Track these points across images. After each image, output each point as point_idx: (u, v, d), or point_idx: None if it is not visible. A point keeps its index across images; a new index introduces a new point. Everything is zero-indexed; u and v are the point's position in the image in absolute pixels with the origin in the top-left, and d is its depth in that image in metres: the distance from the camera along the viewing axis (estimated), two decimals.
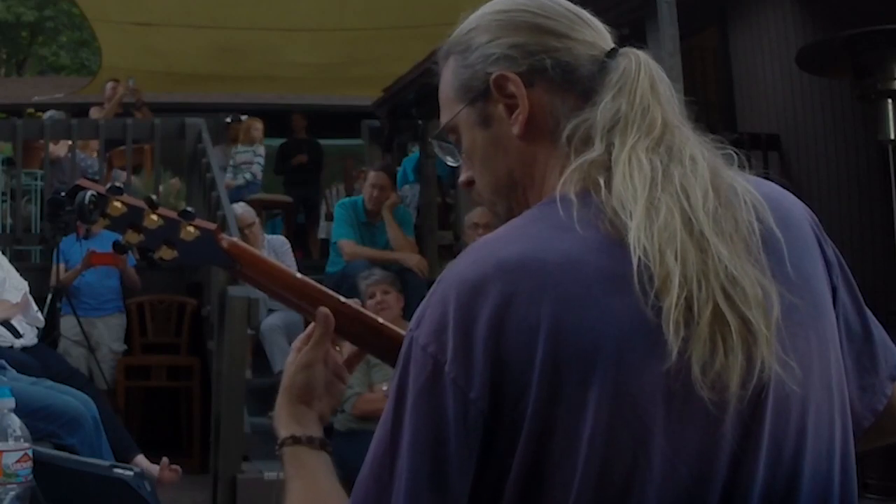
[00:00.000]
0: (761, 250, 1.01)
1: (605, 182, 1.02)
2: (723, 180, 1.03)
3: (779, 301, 0.98)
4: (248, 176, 8.87)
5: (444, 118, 1.18)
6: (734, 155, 1.08)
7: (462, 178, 1.19)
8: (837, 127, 5.68)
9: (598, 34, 1.14)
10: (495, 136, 1.13)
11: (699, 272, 0.96)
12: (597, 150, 1.04)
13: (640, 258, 0.96)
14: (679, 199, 0.99)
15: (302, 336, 1.28)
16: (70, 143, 7.42)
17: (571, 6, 1.15)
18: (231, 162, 8.84)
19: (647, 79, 1.07)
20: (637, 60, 1.09)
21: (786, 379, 0.97)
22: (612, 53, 1.11)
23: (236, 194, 8.16)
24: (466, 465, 0.97)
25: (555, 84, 1.10)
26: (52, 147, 7.42)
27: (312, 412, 1.24)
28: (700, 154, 1.04)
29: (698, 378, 0.94)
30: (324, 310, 1.25)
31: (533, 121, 1.10)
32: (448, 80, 1.17)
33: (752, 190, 1.04)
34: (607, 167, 1.03)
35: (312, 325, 1.27)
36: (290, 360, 1.27)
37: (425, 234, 7.84)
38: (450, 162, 1.21)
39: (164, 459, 4.31)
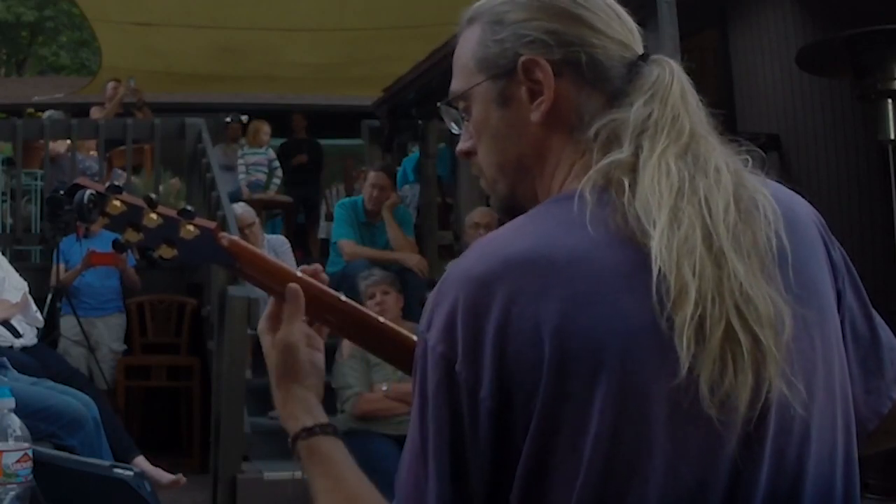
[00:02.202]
0: (776, 265, 1.00)
1: (629, 184, 1.01)
2: (745, 190, 1.02)
3: (791, 319, 0.98)
4: (265, 170, 8.95)
5: (458, 84, 1.15)
6: (749, 158, 1.07)
7: (461, 146, 1.17)
8: (837, 127, 5.67)
9: (632, 34, 1.13)
10: (511, 118, 1.11)
11: (714, 288, 0.96)
12: (625, 151, 1.03)
13: (660, 268, 0.95)
14: (701, 212, 0.99)
15: (264, 318, 1.23)
16: (69, 142, 7.43)
17: (609, 0, 1.13)
18: (241, 162, 8.85)
19: (679, 88, 1.07)
20: (670, 69, 1.08)
21: (791, 400, 0.97)
22: (644, 58, 1.11)
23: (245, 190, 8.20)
24: (482, 463, 0.97)
25: (584, 79, 1.08)
26: (51, 144, 7.42)
27: (311, 393, 1.21)
28: (724, 165, 1.03)
29: (706, 397, 0.94)
30: (293, 286, 1.21)
31: (554, 111, 1.08)
32: (470, 47, 1.13)
33: (772, 200, 1.03)
34: (633, 169, 1.02)
35: (272, 302, 1.22)
36: (266, 346, 1.22)
37: (425, 234, 7.84)
38: (452, 128, 1.19)
39: (180, 476, 4.30)
